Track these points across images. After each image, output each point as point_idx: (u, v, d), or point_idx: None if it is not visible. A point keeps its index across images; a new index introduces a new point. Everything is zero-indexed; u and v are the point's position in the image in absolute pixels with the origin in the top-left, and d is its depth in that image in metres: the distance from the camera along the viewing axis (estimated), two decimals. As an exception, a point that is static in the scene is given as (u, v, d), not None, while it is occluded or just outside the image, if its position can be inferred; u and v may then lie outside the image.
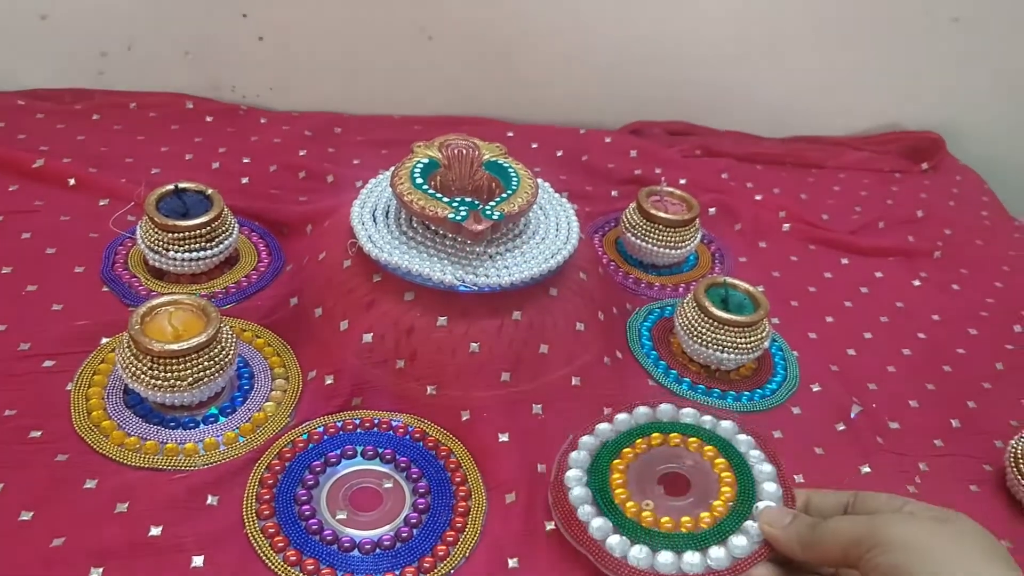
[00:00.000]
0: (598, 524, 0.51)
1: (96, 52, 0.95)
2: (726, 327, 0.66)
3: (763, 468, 0.54)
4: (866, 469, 0.62)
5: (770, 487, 0.52)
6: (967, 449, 0.66)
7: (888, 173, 1.07)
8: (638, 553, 0.49)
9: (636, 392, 0.66)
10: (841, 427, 0.66)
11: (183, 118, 0.95)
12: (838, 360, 0.73)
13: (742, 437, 0.56)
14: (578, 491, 0.53)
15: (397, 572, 0.50)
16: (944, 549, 0.42)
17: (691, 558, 0.48)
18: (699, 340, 0.67)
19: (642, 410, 0.59)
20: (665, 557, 0.49)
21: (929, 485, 0.62)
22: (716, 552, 0.49)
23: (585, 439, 0.57)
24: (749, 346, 0.66)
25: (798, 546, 0.47)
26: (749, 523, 0.50)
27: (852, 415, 0.67)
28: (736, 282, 0.69)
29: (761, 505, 0.50)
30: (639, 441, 0.56)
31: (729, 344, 0.66)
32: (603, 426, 0.58)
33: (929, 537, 0.43)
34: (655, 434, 0.57)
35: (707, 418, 0.58)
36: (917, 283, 0.86)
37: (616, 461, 0.55)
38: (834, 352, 0.74)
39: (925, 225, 0.96)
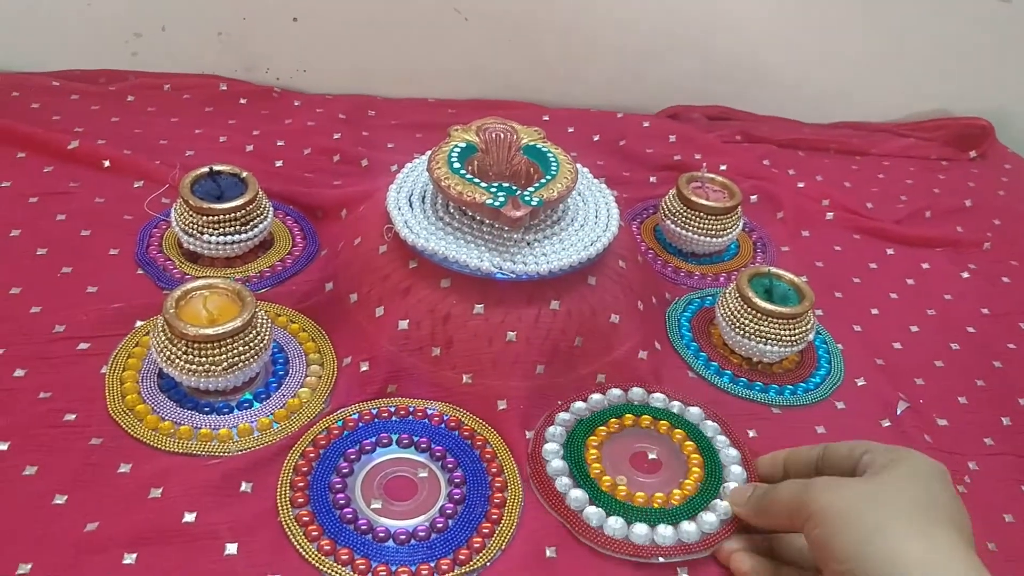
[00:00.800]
0: (576, 495, 0.53)
1: (130, 33, 0.94)
2: (770, 318, 0.64)
3: (729, 452, 0.58)
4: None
5: (736, 469, 0.56)
6: (1019, 448, 0.64)
7: (935, 161, 1.04)
8: (614, 524, 0.52)
9: (674, 385, 0.64)
10: (886, 423, 0.64)
11: (217, 100, 0.94)
12: (884, 354, 0.71)
13: (709, 423, 0.60)
14: (556, 463, 0.55)
15: (432, 563, 0.49)
16: (870, 517, 0.41)
17: (664, 531, 0.52)
18: (742, 331, 0.65)
19: (615, 392, 0.62)
20: (640, 529, 0.52)
21: (979, 484, 0.60)
22: (687, 526, 0.52)
23: (561, 415, 0.59)
24: (793, 338, 0.64)
25: (754, 515, 0.50)
26: (717, 501, 0.54)
27: (898, 411, 0.65)
28: (781, 272, 0.67)
29: (730, 486, 0.55)
30: (612, 421, 0.60)
31: (773, 336, 0.64)
32: (578, 404, 0.60)
33: (856, 504, 0.42)
34: (627, 415, 0.60)
35: (676, 403, 0.62)
36: (966, 275, 0.83)
37: (591, 438, 0.58)
38: (880, 345, 0.72)
39: (973, 215, 0.93)
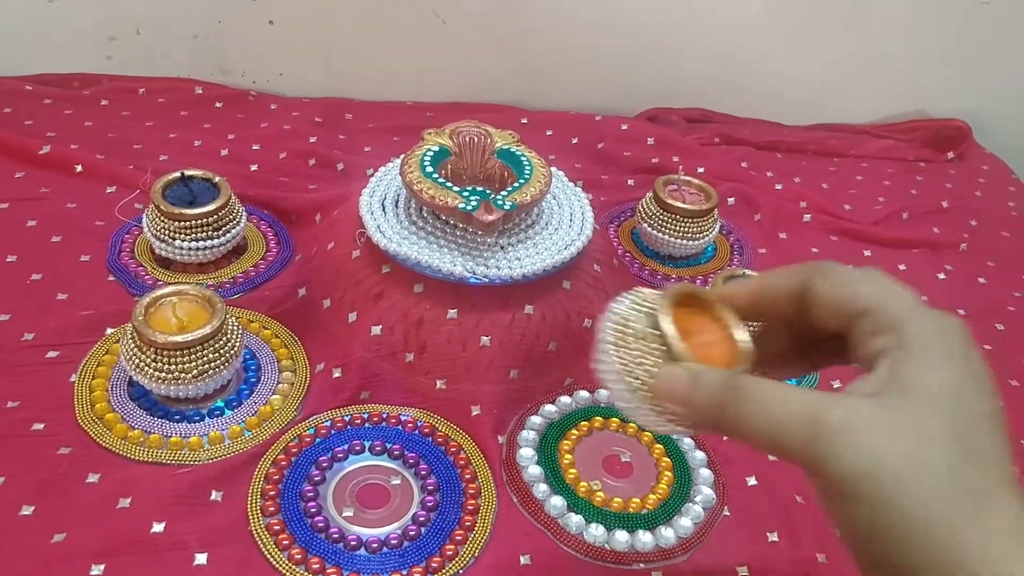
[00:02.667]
0: (555, 503, 0.53)
1: (104, 37, 0.94)
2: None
3: (695, 455, 0.58)
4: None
5: (705, 472, 0.57)
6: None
7: (912, 162, 1.05)
8: (595, 531, 0.52)
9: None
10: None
11: (192, 104, 0.93)
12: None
13: None
14: (532, 470, 0.55)
15: (404, 571, 0.49)
16: (910, 490, 0.30)
17: (644, 537, 0.52)
18: (717, 334, 0.65)
19: (582, 394, 0.62)
20: (620, 535, 0.52)
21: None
22: (665, 532, 0.53)
23: (532, 419, 0.59)
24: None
25: (705, 423, 0.35)
26: (691, 505, 0.55)
27: None
28: (756, 274, 0.67)
29: (702, 490, 0.55)
30: (583, 423, 0.60)
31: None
32: (548, 407, 0.60)
33: (888, 467, 0.30)
34: (596, 417, 0.60)
35: None
36: (942, 276, 0.84)
37: (563, 442, 0.58)
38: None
39: (951, 216, 0.94)
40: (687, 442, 0.59)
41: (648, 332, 0.36)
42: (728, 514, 0.55)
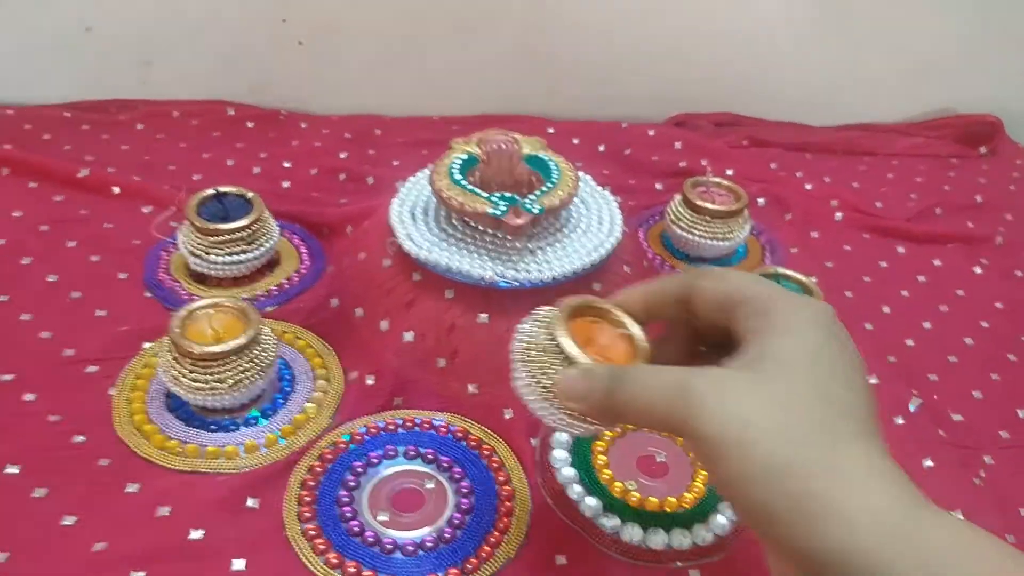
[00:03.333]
0: (590, 503, 0.53)
1: (138, 61, 0.96)
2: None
3: None
4: (928, 463, 0.59)
5: None
6: (1036, 441, 0.63)
7: (944, 159, 1.03)
8: (632, 531, 0.51)
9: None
10: (900, 420, 0.63)
11: (224, 125, 0.95)
12: (896, 351, 0.70)
13: None
14: (566, 471, 0.55)
15: (440, 574, 0.49)
16: (771, 449, 0.32)
17: (681, 536, 0.51)
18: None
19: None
20: (657, 535, 0.51)
21: (995, 478, 0.59)
22: (701, 531, 0.52)
23: None
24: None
25: (602, 413, 0.39)
26: (726, 504, 0.53)
27: (912, 408, 0.64)
28: (788, 272, 0.67)
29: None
30: None
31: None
32: None
33: (750, 429, 0.33)
34: None
35: None
36: (978, 270, 0.82)
37: (597, 443, 0.57)
38: (892, 343, 0.71)
39: (984, 211, 0.92)
40: None
41: (547, 344, 0.41)
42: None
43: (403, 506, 0.53)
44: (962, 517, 0.55)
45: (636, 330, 0.42)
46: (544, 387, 0.40)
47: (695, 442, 0.34)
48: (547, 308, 0.43)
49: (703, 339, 0.42)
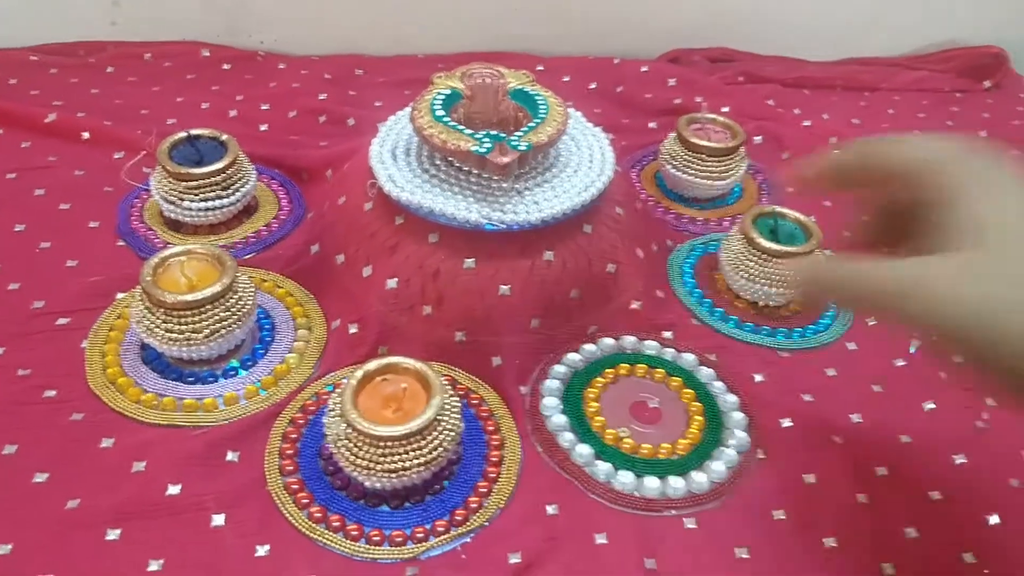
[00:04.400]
0: (581, 451, 0.52)
1: (108, 2, 0.92)
2: (775, 259, 0.61)
3: (727, 398, 0.56)
4: (930, 406, 0.58)
5: (737, 416, 0.55)
6: (1042, 382, 0.61)
7: (948, 93, 1.00)
8: (625, 478, 0.50)
9: (678, 333, 0.62)
10: (900, 363, 0.61)
11: (199, 67, 0.91)
12: (898, 292, 0.68)
13: (704, 370, 0.58)
14: (556, 419, 0.54)
15: (428, 525, 0.47)
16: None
17: (675, 483, 0.50)
18: (746, 274, 0.62)
19: (607, 341, 0.60)
20: (651, 482, 0.50)
21: (998, 420, 0.57)
22: (697, 477, 0.51)
23: (556, 368, 0.57)
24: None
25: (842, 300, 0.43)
26: (723, 449, 0.52)
27: (911, 350, 0.62)
28: (786, 211, 0.64)
29: (736, 434, 0.53)
30: (608, 371, 0.58)
31: (778, 278, 0.61)
32: (572, 356, 0.58)
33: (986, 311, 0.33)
34: (622, 365, 0.58)
35: (669, 350, 0.60)
36: (982, 207, 0.80)
37: (589, 390, 0.56)
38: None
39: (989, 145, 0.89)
40: (718, 385, 0.57)
41: None
42: (763, 457, 0.53)
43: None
44: (965, 460, 0.54)
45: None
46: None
47: (941, 338, 0.35)
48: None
49: (897, 215, 0.42)
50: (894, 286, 0.35)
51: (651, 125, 0.88)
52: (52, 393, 0.53)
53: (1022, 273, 0.33)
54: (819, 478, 0.52)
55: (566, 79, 0.94)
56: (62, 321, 0.58)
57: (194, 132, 0.67)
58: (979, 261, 0.34)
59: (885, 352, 0.61)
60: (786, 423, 0.55)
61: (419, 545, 0.46)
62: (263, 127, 0.82)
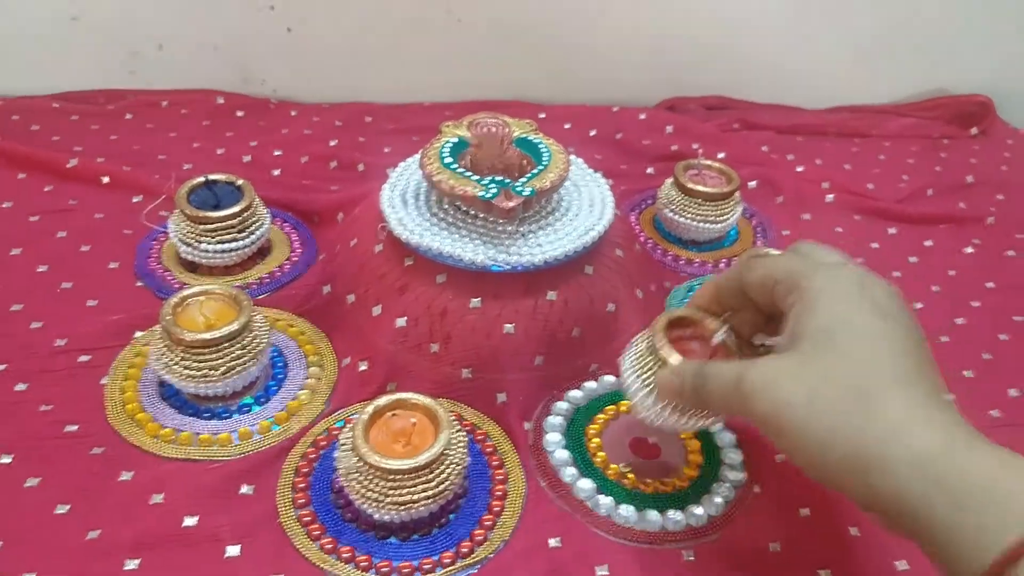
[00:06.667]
0: (583, 485, 0.53)
1: (127, 52, 0.95)
2: (770, 300, 0.63)
3: (724, 436, 0.58)
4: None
5: (733, 453, 0.56)
6: (1027, 420, 0.63)
7: (936, 139, 1.03)
8: (625, 512, 0.52)
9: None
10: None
11: (214, 114, 0.95)
12: (889, 331, 0.70)
13: None
14: (560, 454, 0.55)
15: (435, 558, 0.49)
16: (815, 424, 0.37)
17: (675, 516, 0.52)
18: (742, 314, 0.64)
19: (608, 379, 0.61)
20: (651, 515, 0.52)
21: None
22: (696, 510, 0.52)
23: (559, 405, 0.59)
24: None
25: (696, 405, 0.47)
26: (719, 485, 0.54)
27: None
28: (779, 253, 0.66)
29: (729, 475, 0.55)
30: (609, 408, 0.60)
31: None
32: (574, 393, 0.60)
33: (797, 412, 0.38)
34: (623, 402, 0.60)
35: None
36: (970, 250, 0.82)
37: (591, 427, 0.58)
38: (884, 323, 0.71)
39: (976, 191, 0.92)
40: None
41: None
42: (759, 491, 0.54)
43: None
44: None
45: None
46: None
47: (757, 424, 0.40)
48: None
49: (774, 315, 0.47)
50: (732, 384, 0.41)
51: (649, 171, 0.91)
52: (74, 428, 0.55)
53: (825, 373, 0.38)
54: (813, 511, 0.53)
55: (567, 126, 0.97)
56: (83, 358, 0.60)
57: (211, 177, 0.69)
58: (795, 362, 0.39)
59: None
60: (780, 457, 0.57)
61: (426, 576, 0.48)
62: (276, 172, 0.85)
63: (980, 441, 0.35)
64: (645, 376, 0.50)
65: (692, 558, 0.50)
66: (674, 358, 0.48)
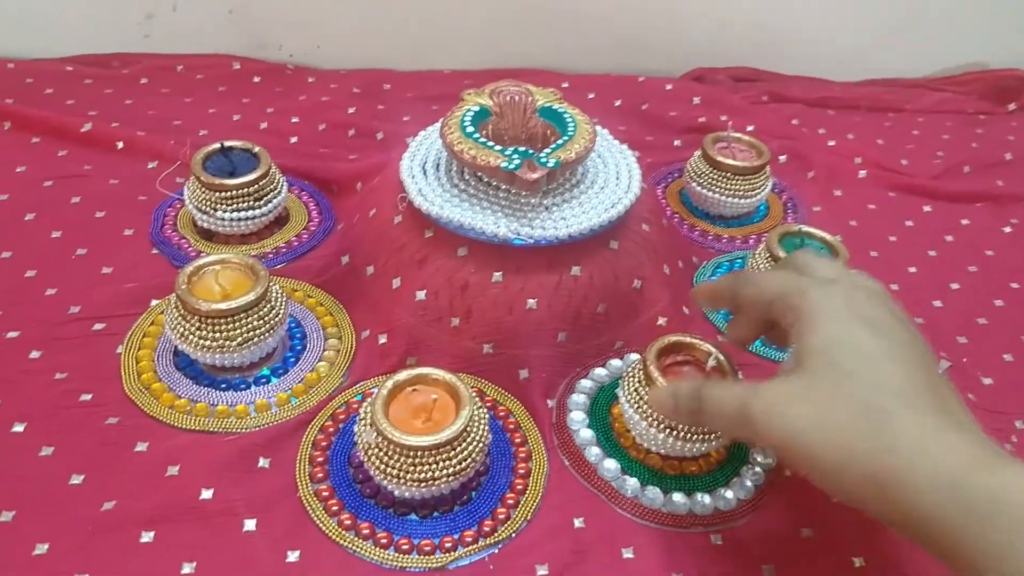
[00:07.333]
0: (608, 466, 0.52)
1: (141, 15, 0.93)
2: (802, 278, 0.61)
3: None
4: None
5: None
6: (1069, 404, 0.61)
7: (972, 115, 1.00)
8: (652, 494, 0.51)
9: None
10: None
11: (230, 79, 0.93)
12: (924, 313, 0.68)
13: None
14: (584, 433, 0.54)
15: (456, 535, 0.48)
16: (818, 438, 0.37)
17: (702, 499, 0.51)
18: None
19: (633, 357, 0.59)
20: (678, 498, 0.51)
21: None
22: (725, 494, 0.51)
23: (583, 383, 0.58)
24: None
25: (689, 421, 0.48)
26: (749, 467, 0.53)
27: (940, 371, 0.62)
28: (812, 230, 0.64)
29: (757, 456, 0.54)
30: None
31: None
32: (599, 371, 0.59)
33: (805, 432, 0.37)
34: None
35: None
36: (1008, 229, 0.80)
37: (615, 406, 0.56)
38: (919, 304, 0.69)
39: (1014, 168, 0.89)
40: None
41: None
42: (789, 475, 0.53)
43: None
44: None
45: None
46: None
47: (766, 447, 0.43)
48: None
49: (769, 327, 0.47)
50: (735, 410, 0.41)
51: (676, 143, 0.89)
52: (88, 397, 0.54)
53: (832, 394, 0.37)
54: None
55: (591, 96, 0.95)
56: (98, 326, 0.59)
57: (227, 143, 0.68)
58: (801, 385, 0.39)
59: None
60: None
61: (447, 555, 0.47)
62: (293, 139, 0.83)
63: (1005, 460, 0.35)
64: (641, 407, 0.50)
65: (720, 542, 0.49)
66: (662, 383, 0.49)
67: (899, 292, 0.70)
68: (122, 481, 0.49)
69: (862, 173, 0.85)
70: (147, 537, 0.46)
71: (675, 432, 0.49)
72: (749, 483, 0.51)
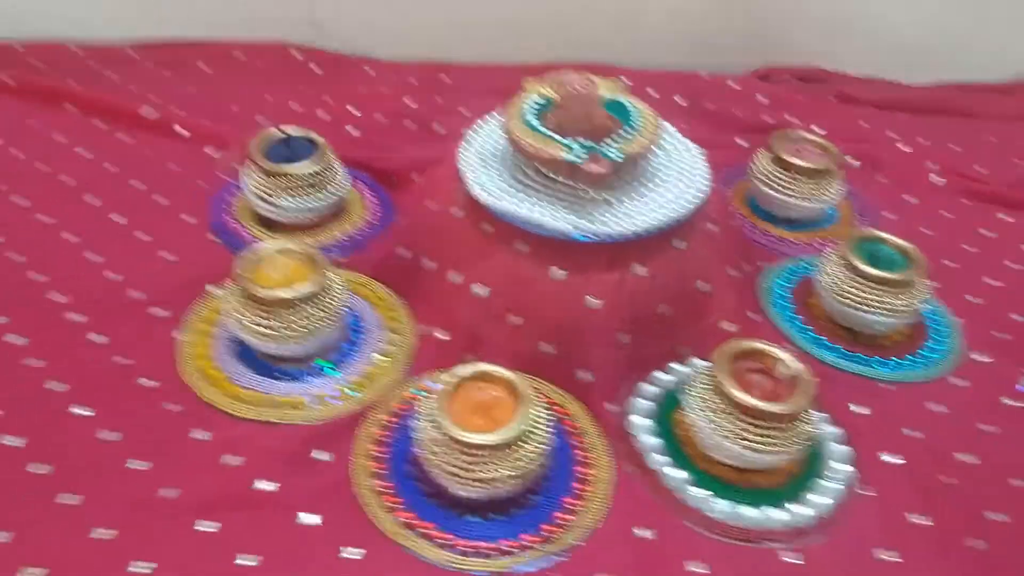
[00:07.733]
0: (674, 475, 0.50)
1: (205, 1, 0.93)
2: (877, 286, 0.59)
3: (827, 429, 0.54)
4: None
5: (835, 447, 0.53)
6: None
7: (1051, 122, 0.96)
8: (721, 506, 0.49)
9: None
10: (1009, 402, 0.58)
11: (289, 67, 0.93)
12: (1003, 326, 0.65)
13: None
14: (649, 440, 0.52)
15: (514, 539, 0.46)
16: None
17: (776, 514, 0.48)
18: (845, 300, 0.60)
19: (699, 362, 0.57)
20: (748, 511, 0.48)
21: None
22: (801, 509, 0.48)
23: (647, 388, 0.56)
24: (903, 308, 0.59)
25: None
26: (819, 482, 0.50)
27: (1020, 387, 0.59)
28: (887, 236, 0.62)
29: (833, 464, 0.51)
30: None
31: (878, 305, 0.59)
32: (661, 375, 0.57)
33: None
34: None
35: None
36: (1089, 242, 0.76)
37: (681, 413, 0.53)
38: (999, 318, 0.66)
39: (1097, 179, 0.85)
40: (815, 414, 0.55)
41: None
42: (864, 492, 0.50)
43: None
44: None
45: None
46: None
47: None
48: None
49: None
50: None
51: (740, 142, 0.86)
52: (146, 382, 0.54)
53: None
54: (930, 519, 0.49)
55: (652, 92, 0.92)
56: (156, 311, 0.59)
57: (286, 130, 0.67)
58: None
59: (992, 389, 0.59)
60: (889, 458, 0.53)
61: (508, 559, 0.45)
62: (350, 129, 0.83)
63: None
64: (709, 415, 0.49)
65: (792, 559, 0.47)
66: (737, 393, 0.47)
67: (976, 306, 0.67)
68: (180, 468, 0.49)
69: (936, 179, 0.82)
70: (203, 526, 0.46)
71: (747, 443, 0.47)
72: (820, 499, 0.49)
